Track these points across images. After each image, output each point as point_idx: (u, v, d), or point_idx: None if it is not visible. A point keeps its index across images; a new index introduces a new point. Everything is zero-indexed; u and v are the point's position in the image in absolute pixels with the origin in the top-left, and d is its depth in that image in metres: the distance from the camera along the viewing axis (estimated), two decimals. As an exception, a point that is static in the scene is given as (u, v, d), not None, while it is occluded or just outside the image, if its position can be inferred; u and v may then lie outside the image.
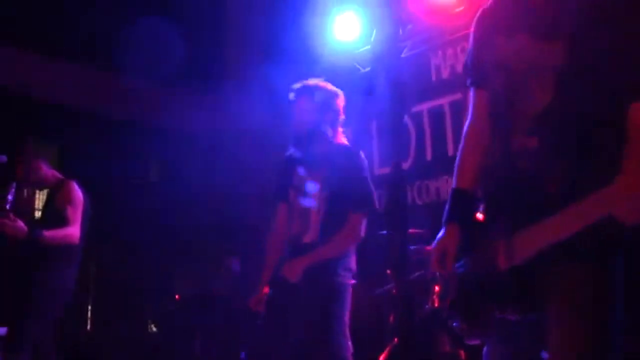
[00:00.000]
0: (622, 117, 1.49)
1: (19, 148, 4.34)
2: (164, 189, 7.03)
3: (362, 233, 3.10)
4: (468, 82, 1.93)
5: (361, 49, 5.40)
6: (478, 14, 1.90)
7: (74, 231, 4.14)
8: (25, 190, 4.37)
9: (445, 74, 4.97)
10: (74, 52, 6.70)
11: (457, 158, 1.91)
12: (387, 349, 4.22)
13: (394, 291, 4.32)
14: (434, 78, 5.05)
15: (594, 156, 1.53)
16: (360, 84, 5.27)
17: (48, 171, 4.40)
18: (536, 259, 1.59)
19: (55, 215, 4.18)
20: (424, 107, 5.05)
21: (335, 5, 5.31)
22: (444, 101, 4.91)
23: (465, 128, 1.92)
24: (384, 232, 4.10)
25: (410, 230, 2.83)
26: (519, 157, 1.64)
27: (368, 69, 5.32)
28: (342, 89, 4.89)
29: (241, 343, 5.09)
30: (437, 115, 4.95)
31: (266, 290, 3.24)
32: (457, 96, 4.77)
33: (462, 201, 1.85)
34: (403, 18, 4.63)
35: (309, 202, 3.20)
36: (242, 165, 6.57)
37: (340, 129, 3.29)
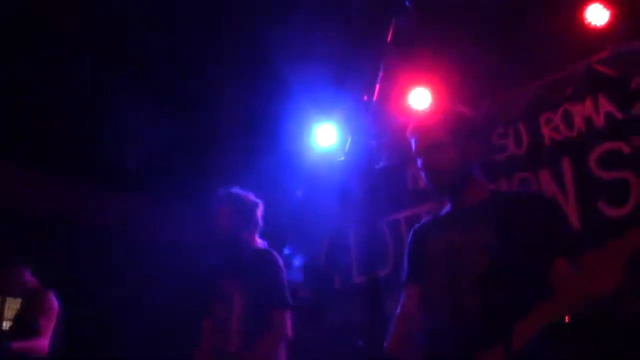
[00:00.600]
0: (545, 274, 1.89)
1: None
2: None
3: (289, 330, 3.21)
4: (404, 279, 2.31)
5: (339, 158, 5.51)
6: (412, 232, 2.39)
7: (44, 343, 4.06)
8: None
9: (421, 184, 5.04)
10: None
11: (388, 339, 2.17)
12: None
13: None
14: (410, 186, 5.12)
15: (524, 308, 1.81)
16: (337, 189, 5.37)
17: (29, 279, 4.34)
18: None
19: (27, 325, 4.09)
20: (401, 215, 5.09)
21: (316, 116, 5.49)
22: (422, 210, 4.95)
23: (396, 316, 2.24)
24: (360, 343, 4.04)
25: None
26: (461, 314, 1.97)
27: (341, 175, 5.43)
28: (321, 192, 5.02)
29: None
30: (414, 223, 4.96)
31: None
32: (435, 205, 4.81)
33: None
34: (378, 131, 4.80)
35: (231, 311, 3.25)
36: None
37: (256, 236, 3.46)
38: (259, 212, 3.47)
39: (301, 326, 5.42)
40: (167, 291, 5.85)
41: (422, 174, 2.26)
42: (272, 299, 3.22)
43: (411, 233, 2.40)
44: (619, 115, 3.95)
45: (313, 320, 5.54)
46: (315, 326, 5.50)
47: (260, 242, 3.47)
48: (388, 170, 5.15)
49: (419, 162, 2.26)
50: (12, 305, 4.51)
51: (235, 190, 3.50)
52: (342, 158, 5.38)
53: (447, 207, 2.29)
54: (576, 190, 4.06)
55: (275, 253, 3.40)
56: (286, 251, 5.60)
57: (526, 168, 4.36)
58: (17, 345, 3.91)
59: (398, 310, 2.27)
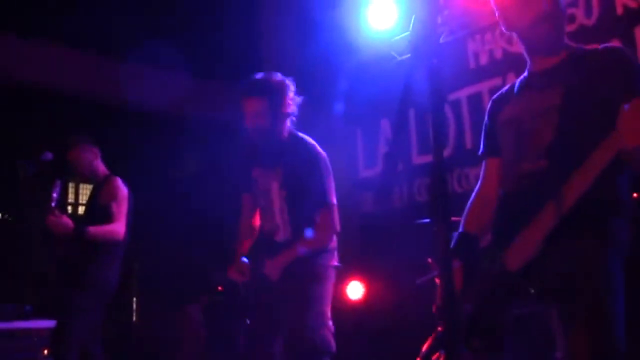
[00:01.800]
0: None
1: (66, 143, 4.39)
2: (201, 183, 7.07)
3: (337, 226, 3.18)
4: (481, 153, 2.35)
5: (397, 37, 5.37)
6: (490, 103, 2.34)
7: (118, 228, 4.16)
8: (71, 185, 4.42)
9: (483, 60, 4.90)
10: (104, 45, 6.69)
11: (464, 213, 2.25)
12: (430, 338, 4.21)
13: (437, 280, 4.31)
14: (471, 64, 4.98)
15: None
16: (397, 71, 5.27)
17: (99, 166, 4.43)
18: (543, 248, 1.83)
19: (100, 211, 4.20)
20: (462, 94, 4.99)
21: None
22: (483, 87, 4.84)
23: (474, 192, 2.30)
24: (425, 220, 4.09)
25: (452, 218, 2.91)
26: (530, 176, 1.97)
27: (405, 56, 5.30)
28: (378, 78, 4.83)
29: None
30: (476, 102, 4.88)
31: (242, 261, 3.25)
32: (497, 82, 4.69)
33: (464, 241, 2.15)
34: (440, 3, 4.59)
35: (271, 201, 3.22)
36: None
37: (293, 112, 3.25)
38: (291, 94, 3.23)
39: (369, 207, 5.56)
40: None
41: (516, 35, 2.14)
42: (315, 197, 3.14)
43: (490, 104, 2.36)
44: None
45: (377, 202, 5.64)
46: (380, 207, 5.61)
47: (293, 130, 3.29)
48: (448, 46, 5.00)
49: (505, 24, 2.12)
50: (86, 191, 4.68)
51: (263, 76, 3.25)
52: (404, 35, 5.25)
53: (525, 73, 2.21)
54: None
55: (315, 143, 3.26)
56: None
57: (596, 39, 4.14)
58: (93, 229, 4.04)
59: (476, 187, 2.32)
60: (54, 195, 4.12)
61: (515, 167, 2.05)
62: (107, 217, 4.18)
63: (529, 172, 1.98)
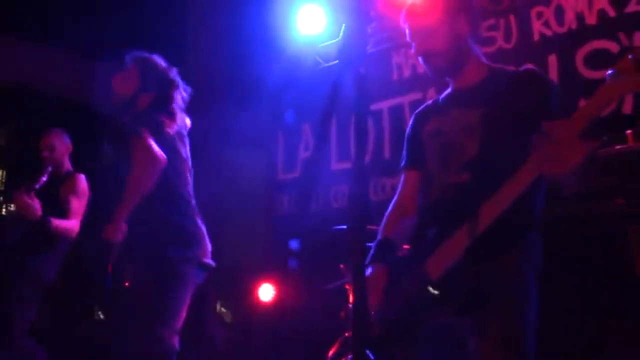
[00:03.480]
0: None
1: (45, 135, 4.30)
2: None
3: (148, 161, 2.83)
4: (402, 165, 2.38)
5: (324, 43, 5.42)
6: (413, 116, 2.40)
7: (75, 225, 4.07)
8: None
9: (406, 73, 5.01)
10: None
11: (383, 221, 2.28)
12: (337, 343, 4.25)
13: (347, 286, 4.36)
14: (395, 77, 5.08)
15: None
16: (321, 77, 5.31)
17: (66, 160, 4.35)
18: (463, 261, 1.86)
19: (58, 204, 4.08)
20: (384, 105, 5.08)
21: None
22: (405, 100, 4.95)
23: (392, 202, 2.34)
24: (341, 226, 4.13)
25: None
26: (453, 187, 2.02)
27: (331, 62, 5.35)
28: (303, 82, 4.81)
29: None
30: (397, 114, 4.99)
31: None
32: (417, 95, 4.81)
33: (385, 245, 2.19)
34: (369, 13, 4.66)
35: None
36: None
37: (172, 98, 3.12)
38: (171, 78, 3.15)
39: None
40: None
41: (419, 59, 2.23)
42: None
43: (412, 117, 2.41)
44: (611, 12, 3.89)
45: (294, 205, 5.65)
46: (296, 211, 5.62)
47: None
48: (373, 57, 5.08)
49: (413, 47, 2.24)
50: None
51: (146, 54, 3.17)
52: (332, 41, 5.29)
53: (448, 89, 2.29)
54: (560, 88, 4.06)
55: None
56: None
57: (512, 63, 4.31)
58: (55, 222, 3.93)
59: (395, 198, 2.35)
60: (42, 179, 4.04)
61: (440, 177, 2.10)
62: (64, 211, 4.05)
63: (453, 184, 2.02)
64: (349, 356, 4.15)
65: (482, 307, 1.85)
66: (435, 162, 2.14)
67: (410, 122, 2.41)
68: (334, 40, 5.27)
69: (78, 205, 4.11)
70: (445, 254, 1.90)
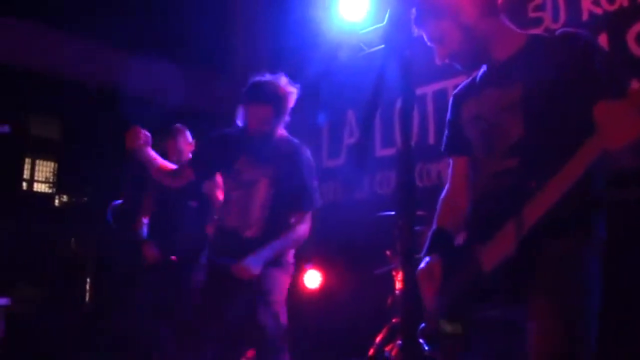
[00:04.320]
0: (586, 127, 1.69)
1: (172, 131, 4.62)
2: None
3: (308, 231, 3.19)
4: (444, 150, 2.29)
5: (366, 29, 5.38)
6: (452, 98, 2.28)
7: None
8: None
9: (450, 57, 4.94)
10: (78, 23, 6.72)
11: (437, 210, 2.21)
12: (385, 329, 4.25)
13: (394, 272, 4.35)
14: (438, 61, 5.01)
15: (562, 162, 1.74)
16: (365, 63, 5.28)
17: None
18: (520, 248, 1.77)
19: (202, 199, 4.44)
20: (428, 89, 5.02)
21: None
22: (449, 84, 4.88)
23: (444, 191, 2.25)
24: (387, 212, 4.12)
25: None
26: (502, 175, 1.91)
27: (374, 48, 5.31)
28: (346, 69, 4.78)
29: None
30: (441, 98, 4.93)
31: None
32: (462, 79, 4.73)
33: (441, 236, 2.12)
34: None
35: (253, 196, 3.15)
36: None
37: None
38: (292, 100, 3.19)
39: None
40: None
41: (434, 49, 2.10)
42: (301, 198, 3.15)
43: (452, 99, 2.28)
44: (664, -12, 3.76)
45: (340, 192, 5.66)
46: (342, 198, 5.63)
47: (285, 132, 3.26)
48: (417, 41, 5.01)
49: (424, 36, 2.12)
50: (42, 167, 4.63)
51: (267, 79, 3.16)
52: (374, 27, 5.25)
53: (483, 67, 2.12)
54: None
55: (304, 147, 3.24)
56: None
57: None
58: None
59: (446, 187, 2.26)
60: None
61: (486, 165, 1.99)
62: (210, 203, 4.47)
63: (500, 172, 1.92)
64: (398, 342, 4.14)
65: (538, 293, 1.78)
66: (479, 148, 2.03)
67: (450, 104, 2.29)
68: (376, 26, 5.22)
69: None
70: (499, 245, 1.83)
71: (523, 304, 1.81)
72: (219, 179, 4.30)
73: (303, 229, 3.17)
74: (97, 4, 6.83)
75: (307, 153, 3.24)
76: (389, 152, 5.23)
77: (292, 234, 3.13)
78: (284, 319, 3.08)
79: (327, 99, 5.77)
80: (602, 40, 4.00)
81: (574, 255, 1.82)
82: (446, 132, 2.28)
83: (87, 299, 7.96)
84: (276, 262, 3.12)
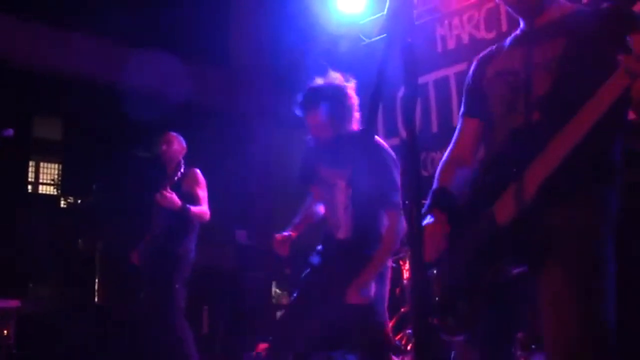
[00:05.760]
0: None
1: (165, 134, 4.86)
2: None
3: (401, 233, 3.01)
4: (461, 112, 2.20)
5: (365, 20, 5.38)
6: (475, 62, 2.21)
7: (206, 210, 4.65)
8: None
9: (451, 45, 4.94)
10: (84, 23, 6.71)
11: (438, 171, 2.13)
12: (394, 319, 4.26)
13: (400, 262, 4.37)
14: (439, 49, 5.01)
15: None
16: (364, 54, 5.28)
17: (181, 160, 4.78)
18: (533, 205, 1.74)
19: (188, 195, 4.60)
20: (430, 78, 5.02)
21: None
22: (450, 72, 4.88)
23: (448, 151, 2.17)
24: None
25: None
26: (522, 129, 1.87)
27: (374, 39, 5.31)
28: (346, 60, 4.77)
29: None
30: (442, 87, 4.93)
31: (294, 233, 3.24)
32: (463, 66, 4.73)
33: (442, 194, 2.04)
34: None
35: (335, 198, 3.15)
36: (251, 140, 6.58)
37: (356, 116, 3.15)
38: (352, 94, 3.13)
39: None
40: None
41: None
42: (381, 197, 3.01)
43: (474, 63, 2.21)
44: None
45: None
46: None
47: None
48: (417, 29, 5.01)
49: None
50: (46, 170, 4.70)
51: (319, 82, 3.13)
52: (373, 17, 5.25)
53: (518, 31, 2.08)
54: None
55: (383, 142, 3.16)
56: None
57: None
58: (193, 208, 4.51)
59: (450, 146, 2.19)
60: (176, 176, 4.51)
61: (507, 121, 1.94)
62: (194, 201, 4.61)
63: (520, 125, 1.88)
64: (407, 331, 4.16)
65: (553, 258, 1.74)
66: (502, 102, 1.97)
67: (472, 68, 2.21)
68: (376, 16, 5.22)
69: (203, 194, 4.68)
70: (514, 197, 1.77)
71: (538, 268, 1.77)
72: (198, 175, 4.65)
73: (393, 229, 3.01)
74: (96, 1, 6.81)
75: (384, 149, 3.13)
76: (393, 142, 5.23)
77: (384, 246, 3.03)
78: (387, 328, 3.12)
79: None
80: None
81: (587, 225, 1.78)
82: (465, 96, 2.22)
83: (96, 298, 7.99)
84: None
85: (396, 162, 3.09)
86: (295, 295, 3.25)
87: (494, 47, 2.19)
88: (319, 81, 3.14)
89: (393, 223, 2.99)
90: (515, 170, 1.80)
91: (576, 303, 1.70)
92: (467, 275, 1.87)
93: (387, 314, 3.14)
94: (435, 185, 2.09)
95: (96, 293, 7.99)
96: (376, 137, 3.20)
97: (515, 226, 1.77)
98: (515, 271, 1.81)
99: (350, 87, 3.15)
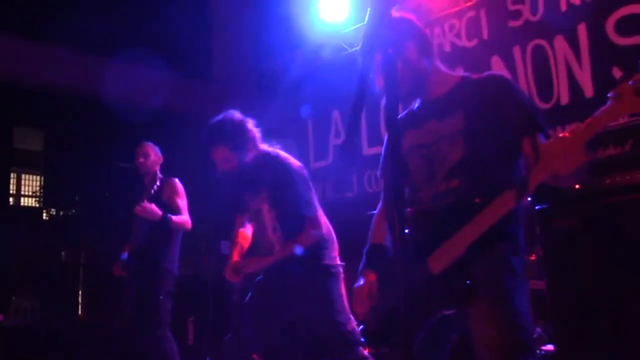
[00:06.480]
0: (514, 151, 2.11)
1: (141, 145, 4.79)
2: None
3: (320, 230, 3.25)
4: (380, 177, 2.56)
5: (348, 29, 5.40)
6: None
7: (188, 219, 4.61)
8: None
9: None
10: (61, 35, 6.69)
11: (371, 228, 2.41)
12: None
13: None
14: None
15: (498, 183, 2.07)
16: (347, 63, 5.30)
17: (158, 171, 4.79)
18: (463, 257, 2.05)
19: (165, 207, 4.54)
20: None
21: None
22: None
23: (378, 209, 2.47)
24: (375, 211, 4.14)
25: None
26: (445, 194, 2.16)
27: (356, 48, 5.33)
28: (329, 69, 4.78)
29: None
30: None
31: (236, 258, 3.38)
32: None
33: (375, 252, 2.33)
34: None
35: (263, 221, 3.30)
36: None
37: (257, 138, 3.29)
38: (250, 126, 3.30)
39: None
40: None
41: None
42: (297, 210, 3.18)
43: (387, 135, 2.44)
44: (640, -24, 3.81)
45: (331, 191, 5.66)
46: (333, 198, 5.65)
47: (265, 147, 3.33)
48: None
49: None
50: (27, 182, 4.67)
51: (215, 120, 3.30)
52: (355, 27, 5.27)
53: (418, 101, 2.38)
54: (591, 56, 4.00)
55: (281, 156, 3.29)
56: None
57: (540, 35, 4.26)
58: (174, 218, 4.46)
59: (379, 205, 2.47)
60: (155, 187, 4.48)
61: (429, 186, 2.21)
62: (174, 211, 4.54)
63: (443, 191, 2.16)
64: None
65: (477, 293, 2.02)
66: (420, 173, 2.25)
67: (387, 134, 2.42)
68: (358, 25, 5.25)
69: (183, 203, 4.63)
70: (447, 250, 2.06)
71: (466, 304, 2.05)
72: (177, 184, 4.63)
73: (304, 237, 3.19)
74: (70, 11, 6.78)
75: (286, 162, 3.27)
76: (377, 150, 5.25)
77: (289, 244, 3.18)
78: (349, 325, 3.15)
79: (311, 101, 5.78)
80: (581, 30, 4.04)
81: (502, 258, 2.10)
82: (382, 159, 2.51)
83: (80, 311, 7.92)
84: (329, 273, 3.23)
85: (301, 174, 3.25)
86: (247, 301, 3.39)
87: (404, 113, 2.44)
88: (215, 119, 3.32)
89: (306, 229, 3.17)
90: (445, 230, 2.08)
91: (502, 317, 2.01)
92: (402, 315, 2.06)
93: (347, 311, 3.17)
94: (368, 243, 2.37)
95: (79, 306, 7.93)
96: (279, 152, 3.33)
97: (447, 275, 2.06)
98: (445, 313, 2.11)
99: (250, 123, 3.32)
